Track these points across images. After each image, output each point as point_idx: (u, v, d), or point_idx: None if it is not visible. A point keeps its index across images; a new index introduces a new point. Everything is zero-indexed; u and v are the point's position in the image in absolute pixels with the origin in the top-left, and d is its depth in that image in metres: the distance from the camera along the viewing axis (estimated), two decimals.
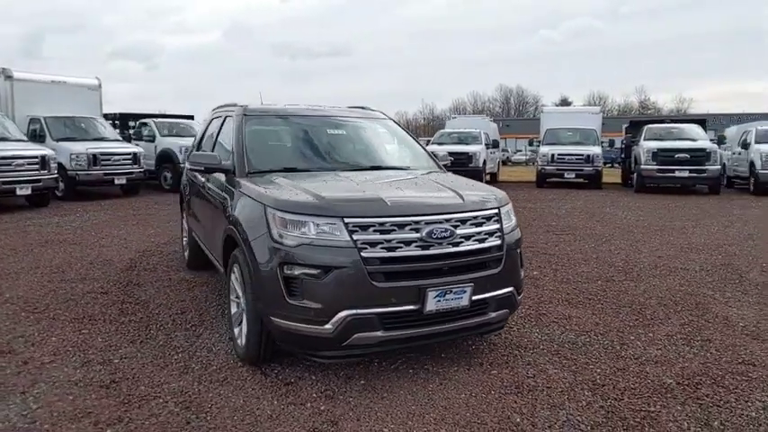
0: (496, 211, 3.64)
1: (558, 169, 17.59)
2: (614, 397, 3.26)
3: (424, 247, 3.25)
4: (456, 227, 3.37)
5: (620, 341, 4.15)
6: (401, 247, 3.21)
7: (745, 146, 16.17)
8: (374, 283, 3.13)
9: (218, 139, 5.09)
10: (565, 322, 4.54)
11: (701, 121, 18.76)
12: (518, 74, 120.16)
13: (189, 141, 15.39)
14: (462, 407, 3.14)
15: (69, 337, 4.15)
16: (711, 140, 16.85)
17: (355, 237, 3.16)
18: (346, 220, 3.18)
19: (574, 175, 17.57)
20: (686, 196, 14.74)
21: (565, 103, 79.86)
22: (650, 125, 17.66)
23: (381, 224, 3.22)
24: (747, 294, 5.38)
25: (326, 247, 3.14)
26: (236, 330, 3.84)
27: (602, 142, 19.12)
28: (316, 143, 4.65)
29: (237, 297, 3.84)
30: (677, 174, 15.23)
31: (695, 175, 15.16)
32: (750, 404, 3.18)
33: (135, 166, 13.48)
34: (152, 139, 15.63)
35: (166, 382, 3.41)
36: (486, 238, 3.49)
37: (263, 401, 3.18)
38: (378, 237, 3.19)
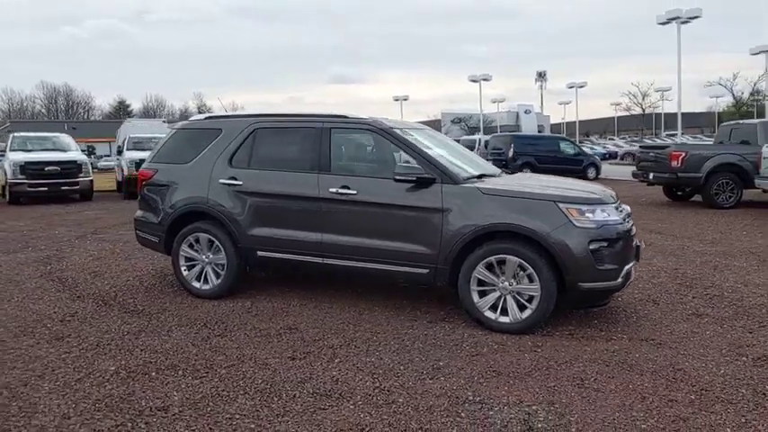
0: None
1: None
2: (724, 300, 5.38)
3: (627, 222, 4.78)
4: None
5: (649, 277, 6.27)
6: (625, 220, 4.73)
7: None
8: (632, 244, 4.65)
9: (332, 151, 5.19)
10: None
11: None
12: (62, 72, 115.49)
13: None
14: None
15: (333, 374, 3.92)
16: None
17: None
18: (612, 206, 4.62)
19: None
20: None
21: (123, 105, 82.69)
22: None
23: (613, 208, 4.68)
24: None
25: (615, 224, 4.50)
26: (489, 314, 4.54)
27: None
28: (459, 153, 5.76)
29: (484, 285, 4.56)
30: None
31: None
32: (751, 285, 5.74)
33: None
34: None
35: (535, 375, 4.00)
36: None
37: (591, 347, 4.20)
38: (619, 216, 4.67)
